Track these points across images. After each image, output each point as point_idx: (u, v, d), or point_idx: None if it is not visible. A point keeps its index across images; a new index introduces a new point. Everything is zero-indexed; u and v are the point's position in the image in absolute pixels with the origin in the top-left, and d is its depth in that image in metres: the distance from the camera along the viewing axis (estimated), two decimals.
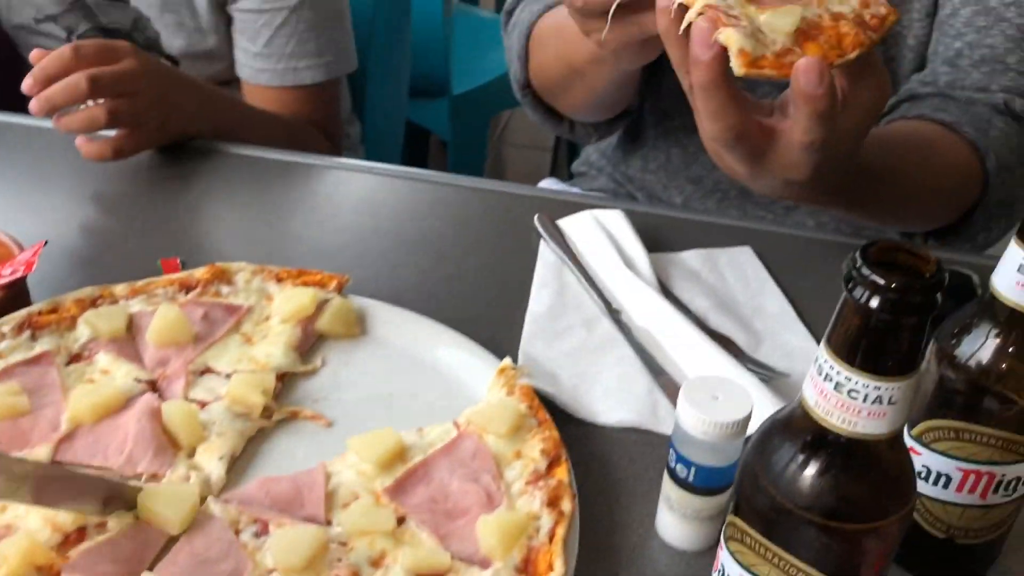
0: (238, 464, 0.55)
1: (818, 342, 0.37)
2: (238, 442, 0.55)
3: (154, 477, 0.52)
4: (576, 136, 0.93)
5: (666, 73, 0.94)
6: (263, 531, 0.49)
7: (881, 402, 0.35)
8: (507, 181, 1.07)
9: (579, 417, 0.60)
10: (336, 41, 1.07)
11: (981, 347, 0.46)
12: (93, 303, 0.61)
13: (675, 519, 0.51)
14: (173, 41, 1.05)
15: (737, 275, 0.74)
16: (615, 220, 0.76)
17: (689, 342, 0.64)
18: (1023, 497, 0.49)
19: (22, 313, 0.59)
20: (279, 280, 0.64)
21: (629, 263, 0.72)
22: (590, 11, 0.59)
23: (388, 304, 0.65)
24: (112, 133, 0.78)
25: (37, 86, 0.74)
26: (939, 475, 0.48)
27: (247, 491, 0.52)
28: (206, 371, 0.59)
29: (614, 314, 0.68)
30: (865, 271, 0.34)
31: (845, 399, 0.36)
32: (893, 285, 0.33)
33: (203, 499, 0.51)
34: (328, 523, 0.50)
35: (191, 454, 0.54)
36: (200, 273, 0.63)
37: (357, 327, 0.63)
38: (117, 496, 0.49)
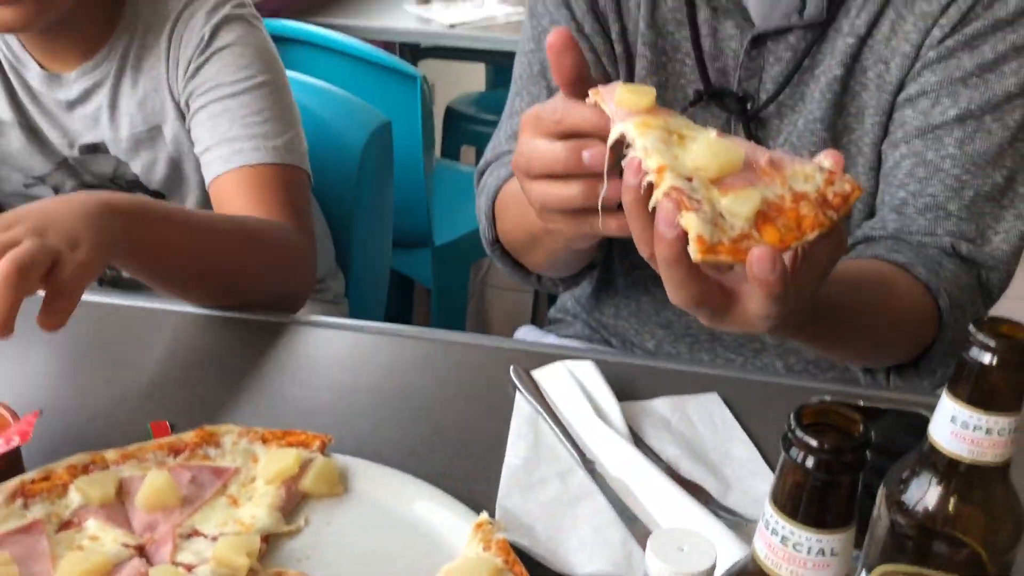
0: None
1: None
2: None
3: None
4: (544, 288, 0.98)
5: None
6: None
7: (824, 554, 0.38)
8: (486, 330, 1.11)
9: (555, 570, 0.61)
10: (285, 133, 1.05)
11: (926, 493, 0.48)
12: (85, 469, 0.63)
13: None
14: (152, 177, 1.10)
15: (706, 422, 0.77)
16: (587, 371, 0.80)
17: (661, 491, 0.67)
18: None
19: (15, 481, 0.61)
20: (265, 441, 0.67)
21: (601, 413, 0.75)
22: (547, 215, 0.64)
23: (370, 461, 0.68)
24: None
25: None
26: None
27: None
28: (193, 534, 0.61)
29: (588, 464, 0.70)
30: (799, 433, 0.37)
31: (791, 552, 0.38)
32: (825, 446, 0.37)
33: None
34: None
35: None
36: (189, 437, 0.66)
37: (340, 486, 0.66)
38: None
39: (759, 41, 0.89)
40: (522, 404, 0.77)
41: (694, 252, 0.53)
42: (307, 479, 0.65)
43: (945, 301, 0.80)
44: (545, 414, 0.75)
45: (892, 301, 0.80)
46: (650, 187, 0.55)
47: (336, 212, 1.36)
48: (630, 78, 0.94)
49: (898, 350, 0.85)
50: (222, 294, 0.92)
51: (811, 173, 0.57)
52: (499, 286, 2.73)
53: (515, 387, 0.79)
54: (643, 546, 0.63)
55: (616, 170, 0.58)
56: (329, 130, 1.35)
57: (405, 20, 2.24)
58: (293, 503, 0.64)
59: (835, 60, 0.87)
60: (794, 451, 0.37)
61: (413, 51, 2.38)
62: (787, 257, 0.58)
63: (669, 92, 0.92)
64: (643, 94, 0.57)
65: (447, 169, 2.17)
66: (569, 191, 0.60)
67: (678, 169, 0.54)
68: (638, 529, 0.64)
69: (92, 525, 0.60)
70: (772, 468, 0.72)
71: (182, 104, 1.06)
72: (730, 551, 0.58)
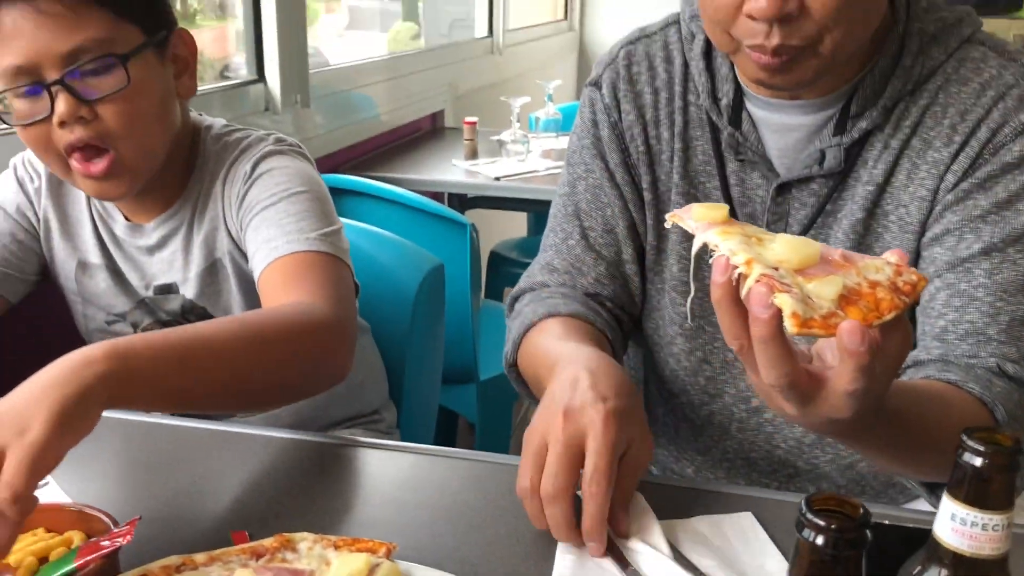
0: None
1: None
2: None
3: None
4: None
5: (668, 361, 1.08)
6: None
7: None
8: None
9: None
10: (322, 228, 1.08)
11: None
12: (178, 569, 0.70)
13: None
14: (218, 308, 1.20)
15: (740, 538, 0.82)
16: (636, 501, 0.85)
17: None
18: None
19: None
20: (336, 547, 0.74)
21: (642, 529, 0.81)
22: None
23: (430, 568, 0.74)
24: None
25: None
26: None
27: None
28: None
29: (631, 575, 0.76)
30: (810, 516, 0.44)
31: None
32: (832, 526, 0.44)
33: None
34: None
35: None
36: (269, 542, 0.73)
37: None
38: None
39: (784, 189, 0.97)
40: None
41: (790, 326, 0.58)
42: None
43: (1001, 413, 0.82)
44: None
45: (950, 411, 0.82)
46: (739, 282, 0.62)
47: (391, 349, 1.45)
48: (657, 222, 1.04)
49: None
50: (253, 398, 0.95)
51: (880, 266, 0.64)
52: None
53: None
54: None
55: None
56: (386, 272, 1.46)
57: (454, 173, 2.40)
58: None
59: (856, 205, 0.94)
60: (806, 531, 0.44)
61: (461, 200, 2.54)
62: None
63: None
64: (718, 209, 0.66)
65: (492, 309, 2.28)
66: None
67: (763, 262, 0.62)
68: None
69: None
70: None
71: (235, 235, 1.16)
72: None
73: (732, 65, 0.98)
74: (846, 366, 0.62)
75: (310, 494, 0.88)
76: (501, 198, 2.38)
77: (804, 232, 0.97)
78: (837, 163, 0.94)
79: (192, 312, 1.21)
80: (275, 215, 1.09)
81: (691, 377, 1.07)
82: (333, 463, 0.95)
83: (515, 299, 1.10)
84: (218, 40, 2.37)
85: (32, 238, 1.21)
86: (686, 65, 1.02)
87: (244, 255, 1.16)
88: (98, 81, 1.03)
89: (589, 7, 4.79)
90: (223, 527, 0.81)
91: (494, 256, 2.72)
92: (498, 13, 3.59)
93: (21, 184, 1.21)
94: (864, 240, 0.95)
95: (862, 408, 0.65)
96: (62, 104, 1.02)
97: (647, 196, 1.04)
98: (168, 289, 1.20)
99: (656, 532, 0.81)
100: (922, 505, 0.96)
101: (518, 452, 0.82)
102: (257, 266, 1.08)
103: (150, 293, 1.21)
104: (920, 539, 0.57)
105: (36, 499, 0.69)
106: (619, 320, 1.07)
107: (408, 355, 1.47)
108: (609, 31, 4.74)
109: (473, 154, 2.49)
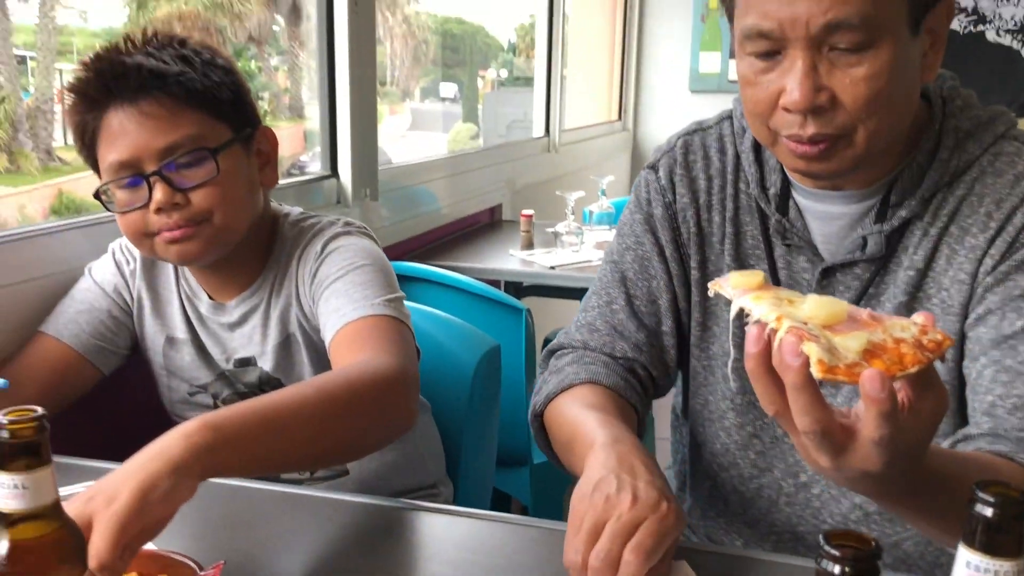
0: None
1: None
2: None
3: None
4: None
5: (719, 435, 1.13)
6: None
7: None
8: None
9: None
10: (385, 295, 1.16)
11: None
12: None
13: None
14: (291, 380, 1.27)
15: None
16: (679, 567, 0.89)
17: None
18: None
19: None
20: None
21: None
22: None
23: None
24: None
25: None
26: None
27: None
28: None
29: None
30: (828, 548, 0.50)
31: None
32: (847, 555, 0.49)
33: None
34: None
35: None
36: None
37: None
38: None
39: (829, 272, 1.03)
40: None
41: (816, 371, 0.63)
42: None
43: None
44: None
45: (998, 477, 0.83)
46: (770, 343, 0.67)
47: (449, 426, 1.51)
48: (703, 301, 1.10)
49: None
50: (330, 454, 1.03)
51: (907, 325, 0.68)
52: None
53: None
54: None
55: None
56: (445, 353, 1.53)
57: (511, 262, 2.49)
58: None
59: (899, 289, 0.99)
60: (824, 562, 0.49)
61: (517, 288, 2.63)
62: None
63: None
64: (752, 275, 0.72)
65: None
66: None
67: (793, 319, 0.67)
68: None
69: None
70: None
71: (307, 310, 1.26)
72: None
73: None
74: (869, 413, 0.66)
75: (375, 553, 0.95)
76: (555, 287, 2.46)
77: None
78: (879, 249, 0.99)
79: (268, 383, 1.30)
80: (343, 286, 1.18)
81: (741, 451, 1.11)
82: (396, 525, 1.01)
83: (552, 353, 1.17)
84: (292, 138, 2.54)
85: (126, 315, 1.32)
86: (738, 156, 1.10)
87: (315, 328, 1.25)
88: (191, 172, 1.16)
89: (642, 109, 4.96)
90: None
91: (548, 342, 2.77)
92: (554, 115, 3.74)
93: (118, 266, 1.33)
94: None
95: (891, 460, 0.68)
96: (159, 192, 1.14)
97: (695, 274, 1.11)
98: (247, 362, 1.29)
99: None
100: None
101: None
102: (327, 334, 1.16)
103: (230, 366, 1.30)
104: None
105: (126, 564, 0.75)
106: (646, 389, 1.13)
107: (465, 433, 1.53)
108: (660, 130, 4.89)
109: (529, 245, 2.59)
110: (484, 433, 1.60)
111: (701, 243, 1.11)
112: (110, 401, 1.39)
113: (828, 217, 1.03)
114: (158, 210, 1.15)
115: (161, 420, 1.38)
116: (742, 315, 0.71)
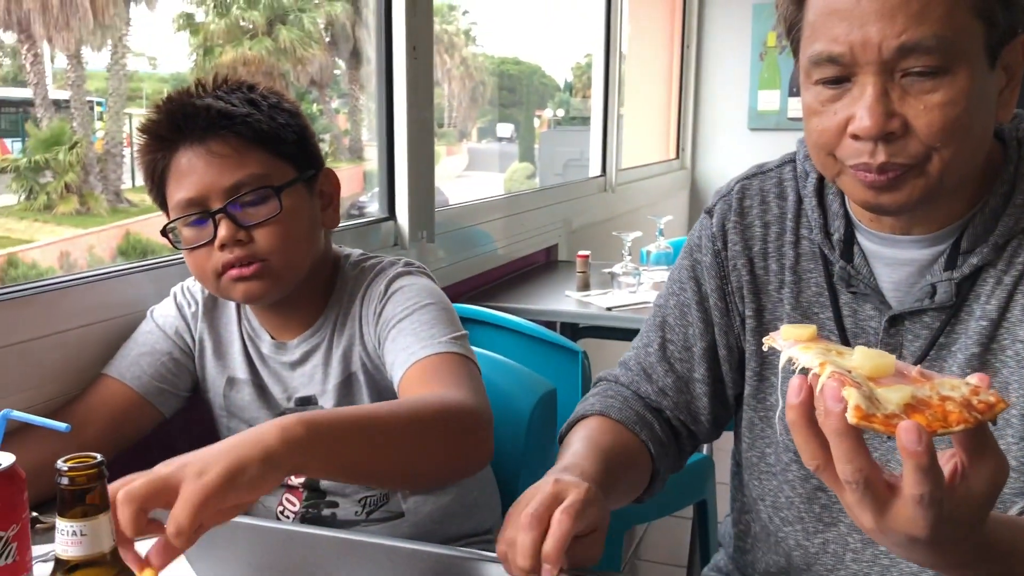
0: None
1: None
2: None
3: None
4: None
5: (783, 488, 1.09)
6: None
7: None
8: None
9: None
10: (452, 333, 1.19)
11: None
12: None
13: None
14: None
15: None
16: None
17: None
18: None
19: None
20: None
21: None
22: None
23: None
24: None
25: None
26: None
27: None
28: None
29: None
30: None
31: None
32: None
33: None
34: None
35: None
36: None
37: None
38: None
39: (897, 320, 0.98)
40: None
41: (851, 416, 0.61)
42: None
43: None
44: None
45: None
46: (812, 394, 0.65)
47: (505, 470, 1.49)
48: (760, 349, 1.07)
49: None
50: (412, 475, 1.05)
51: (958, 384, 0.65)
52: (651, 560, 2.72)
53: None
54: None
55: None
56: (501, 396, 1.51)
57: (567, 304, 2.48)
58: None
59: (971, 340, 0.94)
60: None
61: (574, 330, 2.61)
62: (948, 468, 0.65)
63: None
64: (804, 328, 0.71)
65: None
66: None
67: (837, 367, 0.65)
68: None
69: None
70: None
71: (372, 351, 1.27)
72: None
73: (843, 201, 1.03)
74: (907, 467, 0.63)
75: None
76: (612, 327, 2.43)
77: (918, 364, 0.97)
78: (948, 297, 0.95)
79: None
80: (409, 325, 1.20)
81: (806, 504, 1.08)
82: (451, 573, 1.00)
83: (596, 383, 1.19)
84: (352, 179, 2.57)
85: (187, 357, 1.34)
86: (800, 201, 1.07)
87: (377, 368, 1.26)
88: (255, 210, 1.19)
89: (700, 147, 4.93)
90: None
91: None
92: (611, 154, 3.74)
93: (180, 309, 1.35)
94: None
95: (938, 525, 0.64)
96: (223, 229, 1.17)
97: (750, 323, 1.08)
98: (308, 401, 1.30)
99: None
100: None
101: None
102: (396, 372, 1.18)
103: (291, 405, 1.31)
104: None
105: (196, 536, 0.79)
106: (677, 433, 1.14)
107: (521, 477, 1.51)
108: (720, 168, 4.86)
109: (585, 286, 2.57)
110: (540, 476, 1.58)
111: (756, 291, 1.08)
112: (170, 443, 1.40)
113: (896, 263, 0.99)
114: (222, 246, 1.17)
115: None
116: (791, 366, 0.69)
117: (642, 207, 3.94)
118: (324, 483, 1.31)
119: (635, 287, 2.53)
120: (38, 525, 0.99)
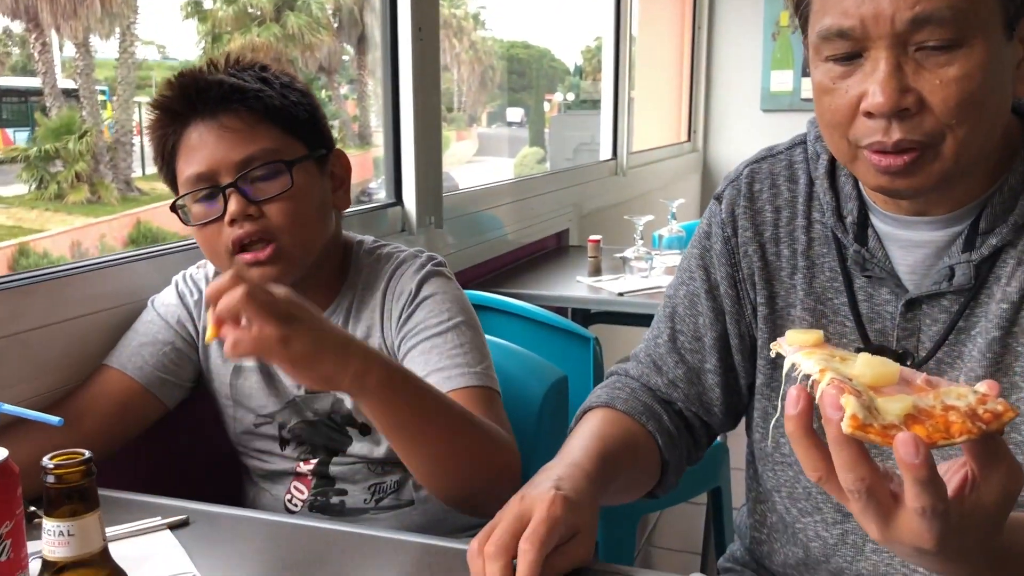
0: None
1: None
2: None
3: None
4: None
5: (800, 478, 1.06)
6: None
7: None
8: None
9: None
10: (482, 362, 1.22)
11: None
12: None
13: None
14: (361, 413, 1.25)
15: None
16: None
17: None
18: None
19: None
20: None
21: None
22: None
23: None
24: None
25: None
26: None
27: None
28: None
29: None
30: None
31: None
32: None
33: None
34: None
35: None
36: None
37: None
38: None
39: (913, 304, 0.95)
40: None
41: (846, 425, 0.59)
42: None
43: None
44: None
45: None
46: (810, 404, 0.63)
47: None
48: (772, 336, 1.04)
49: None
50: (438, 460, 1.07)
51: (964, 393, 0.63)
52: (665, 547, 2.70)
53: None
54: None
55: None
56: (513, 382, 1.49)
57: (578, 289, 2.44)
58: None
59: (991, 323, 0.91)
60: None
61: (585, 316, 2.58)
62: (958, 478, 0.63)
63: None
64: (809, 333, 0.69)
65: None
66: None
67: (838, 374, 0.63)
68: None
69: None
70: None
71: (390, 346, 1.25)
72: None
73: (856, 183, 0.99)
74: (906, 481, 0.61)
75: None
76: (624, 313, 2.40)
77: (936, 349, 0.94)
78: (967, 280, 0.92)
79: (338, 413, 1.28)
80: (443, 344, 1.21)
81: (823, 494, 1.05)
82: (457, 564, 0.97)
83: (607, 377, 1.17)
84: (361, 165, 2.54)
85: (190, 347, 1.31)
86: (811, 184, 1.03)
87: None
88: (266, 185, 1.18)
89: (712, 129, 4.88)
90: None
91: None
92: (622, 137, 3.70)
93: (182, 298, 1.32)
94: (1003, 360, 0.91)
95: (945, 537, 0.62)
96: (233, 204, 1.15)
97: (762, 311, 1.05)
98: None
99: None
100: None
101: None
102: None
103: (301, 392, 1.28)
104: None
105: None
106: (690, 425, 1.11)
107: (532, 465, 1.48)
108: (732, 151, 4.81)
109: (597, 271, 2.53)
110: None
111: (768, 278, 1.05)
112: (173, 434, 1.38)
113: (912, 245, 0.96)
114: (232, 221, 1.15)
115: (223, 453, 1.37)
116: (793, 371, 0.68)
117: (654, 191, 3.90)
118: (333, 471, 1.28)
119: (647, 272, 2.50)
120: (36, 520, 0.96)
